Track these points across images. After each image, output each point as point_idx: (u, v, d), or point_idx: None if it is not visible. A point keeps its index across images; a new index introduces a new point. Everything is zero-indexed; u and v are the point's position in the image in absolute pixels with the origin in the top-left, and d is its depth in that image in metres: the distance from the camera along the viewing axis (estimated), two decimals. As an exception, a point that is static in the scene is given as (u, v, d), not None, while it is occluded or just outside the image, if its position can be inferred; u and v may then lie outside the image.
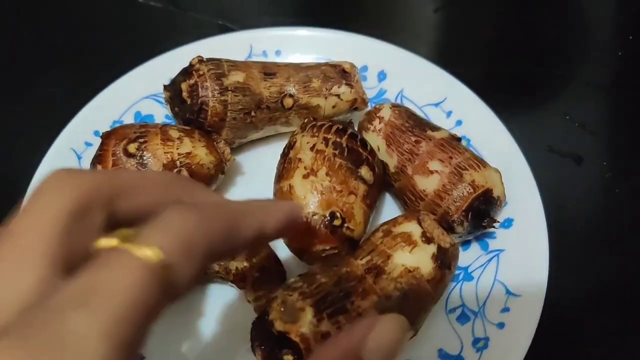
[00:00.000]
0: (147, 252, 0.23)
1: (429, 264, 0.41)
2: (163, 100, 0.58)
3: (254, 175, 0.55)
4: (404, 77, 0.58)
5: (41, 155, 0.53)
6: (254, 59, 0.60)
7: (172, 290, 0.24)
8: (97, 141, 0.54)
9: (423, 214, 0.43)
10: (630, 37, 0.66)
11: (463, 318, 0.45)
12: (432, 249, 0.41)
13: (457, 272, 0.47)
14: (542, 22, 0.70)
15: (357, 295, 0.39)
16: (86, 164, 0.53)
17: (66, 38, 0.69)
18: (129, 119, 0.57)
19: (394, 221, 0.43)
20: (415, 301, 0.40)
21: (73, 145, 0.54)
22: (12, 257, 0.23)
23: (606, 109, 0.62)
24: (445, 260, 0.41)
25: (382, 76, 0.59)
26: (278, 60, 0.61)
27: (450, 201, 0.45)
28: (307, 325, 0.37)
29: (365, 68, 0.59)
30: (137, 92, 0.58)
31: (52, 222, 0.24)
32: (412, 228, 0.42)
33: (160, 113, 0.58)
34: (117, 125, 0.56)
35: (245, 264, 0.46)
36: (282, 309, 0.38)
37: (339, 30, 0.61)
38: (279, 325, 0.38)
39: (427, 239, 0.41)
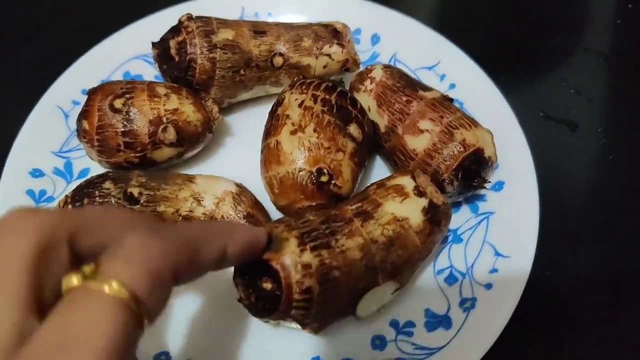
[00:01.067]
0: (115, 287, 0.23)
1: (419, 217, 0.40)
2: (152, 61, 0.57)
3: (243, 135, 0.54)
4: (398, 40, 0.57)
5: (27, 113, 0.52)
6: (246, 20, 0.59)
7: (145, 319, 0.24)
8: (84, 100, 0.54)
9: (418, 171, 0.42)
10: (630, 5, 0.65)
11: (451, 278, 0.45)
12: (423, 202, 0.40)
13: (446, 234, 0.46)
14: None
15: (343, 234, 0.38)
16: (73, 123, 0.53)
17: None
18: (117, 78, 0.56)
19: (389, 177, 0.43)
20: (402, 250, 0.39)
21: (60, 103, 0.54)
22: None
23: (603, 76, 0.61)
24: (436, 216, 0.40)
25: (375, 39, 0.58)
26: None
27: (440, 160, 0.44)
28: (289, 254, 0.36)
29: (358, 31, 0.58)
30: (127, 52, 0.57)
31: (19, 265, 0.23)
32: (405, 182, 0.41)
33: (150, 73, 0.57)
34: (102, 82, 0.55)
35: (231, 212, 0.45)
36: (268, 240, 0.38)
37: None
38: (260, 254, 0.37)
39: (420, 193, 0.41)
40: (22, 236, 0.24)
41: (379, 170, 0.51)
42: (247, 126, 0.54)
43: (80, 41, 0.57)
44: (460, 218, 0.48)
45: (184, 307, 0.44)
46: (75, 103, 0.54)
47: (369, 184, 0.44)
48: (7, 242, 0.24)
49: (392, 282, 0.40)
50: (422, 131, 0.45)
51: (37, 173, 0.50)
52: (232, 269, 0.38)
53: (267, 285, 0.36)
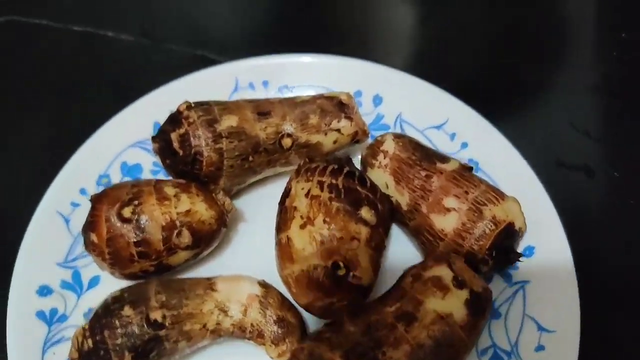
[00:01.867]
0: None
1: (462, 310, 0.38)
2: (150, 148, 0.55)
3: (256, 220, 0.52)
4: (401, 99, 0.56)
5: (24, 215, 0.49)
6: (241, 92, 0.57)
7: None
8: (84, 200, 0.51)
9: (453, 256, 0.41)
10: (623, 35, 0.64)
11: (496, 359, 0.43)
12: (464, 294, 0.39)
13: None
14: (529, 30, 0.68)
15: (389, 345, 0.37)
16: (75, 226, 0.50)
17: (33, 84, 0.64)
18: (115, 172, 0.53)
19: (423, 265, 0.41)
20: (450, 349, 0.38)
21: (59, 207, 0.50)
22: None
23: (607, 113, 0.60)
24: (479, 305, 0.39)
25: (377, 100, 0.57)
26: (266, 91, 0.58)
27: (472, 241, 0.42)
28: None
29: (359, 93, 0.57)
30: (121, 142, 0.55)
31: None
32: (443, 272, 0.40)
33: (148, 161, 0.54)
34: (103, 179, 0.53)
35: (260, 318, 0.43)
36: None
37: (328, 55, 0.58)
38: None
39: (459, 284, 0.39)
40: None
41: (403, 244, 0.50)
42: (258, 208, 0.52)
43: (68, 135, 0.55)
44: (495, 289, 0.46)
45: None
46: (75, 205, 0.51)
47: (393, 264, 0.43)
48: None
49: (442, 382, 0.38)
50: (448, 210, 0.44)
51: (44, 291, 0.47)
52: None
53: None
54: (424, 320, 0.38)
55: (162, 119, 0.55)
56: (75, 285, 0.48)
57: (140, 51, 0.66)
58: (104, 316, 0.41)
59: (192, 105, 0.48)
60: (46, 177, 0.52)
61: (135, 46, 0.66)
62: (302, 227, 0.42)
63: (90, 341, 0.40)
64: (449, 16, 0.70)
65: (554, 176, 0.53)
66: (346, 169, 0.44)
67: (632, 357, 0.46)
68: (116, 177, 0.53)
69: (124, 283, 0.46)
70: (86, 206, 0.50)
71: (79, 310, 0.47)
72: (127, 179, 0.53)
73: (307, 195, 0.43)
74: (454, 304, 0.38)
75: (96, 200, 0.46)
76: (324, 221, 0.41)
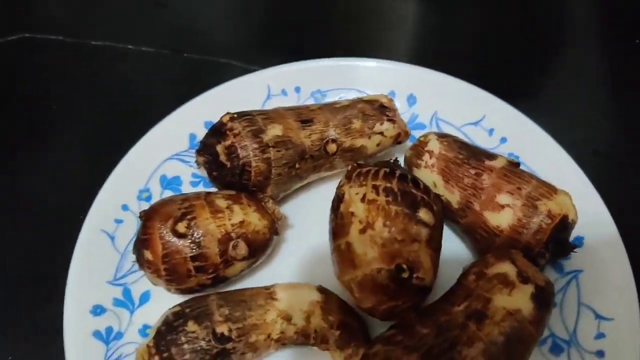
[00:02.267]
0: None
1: (529, 305, 0.39)
2: (186, 159, 0.55)
3: (303, 226, 0.52)
4: (435, 98, 0.56)
5: (68, 233, 0.49)
6: (273, 99, 0.57)
7: None
8: (127, 216, 0.51)
9: (513, 252, 0.41)
10: None
11: (556, 349, 0.44)
12: (530, 288, 0.39)
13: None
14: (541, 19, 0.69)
15: (463, 344, 0.37)
16: (120, 243, 0.50)
17: (63, 102, 0.63)
18: (155, 185, 0.53)
19: (484, 262, 0.41)
20: (521, 344, 0.38)
21: (103, 226, 0.50)
22: None
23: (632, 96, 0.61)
24: (544, 299, 0.39)
25: (412, 100, 0.57)
26: (298, 97, 0.58)
27: (529, 235, 0.43)
28: None
29: (392, 94, 0.57)
30: (158, 155, 0.54)
31: None
32: (507, 268, 0.40)
33: (187, 173, 0.54)
34: (144, 193, 0.52)
35: (323, 324, 0.43)
36: None
37: (358, 58, 0.58)
38: None
39: (524, 279, 0.39)
40: None
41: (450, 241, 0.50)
42: (304, 214, 0.52)
43: (104, 153, 0.54)
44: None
45: None
46: (118, 222, 0.51)
47: (452, 264, 0.43)
48: None
49: (515, 376, 0.38)
50: (502, 206, 0.44)
51: (98, 310, 0.46)
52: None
53: None
54: (494, 318, 0.38)
55: (196, 130, 0.55)
56: (127, 302, 0.47)
57: (163, 63, 0.66)
58: (168, 333, 0.41)
59: (235, 116, 0.48)
60: (87, 197, 0.51)
61: (156, 57, 0.66)
62: (362, 232, 0.42)
63: (157, 358, 0.40)
64: (454, 9, 0.71)
65: (591, 165, 0.53)
66: (398, 172, 0.44)
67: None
68: (156, 191, 0.53)
69: (175, 297, 0.46)
70: (129, 222, 0.51)
71: (133, 327, 0.46)
72: (167, 191, 0.53)
73: (362, 200, 0.43)
74: (521, 300, 0.39)
75: (147, 217, 0.45)
76: (384, 225, 0.41)
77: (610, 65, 0.64)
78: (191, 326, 0.41)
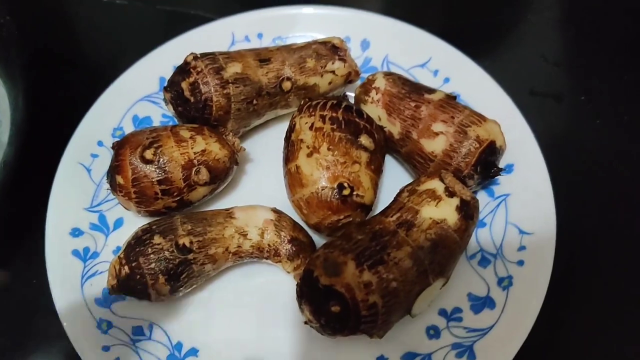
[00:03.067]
0: None
1: (454, 215, 0.44)
2: (156, 100, 0.59)
3: (261, 160, 0.57)
4: (387, 43, 0.61)
5: (47, 171, 0.54)
6: (237, 45, 0.61)
7: None
8: (102, 151, 0.56)
9: (443, 171, 0.46)
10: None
11: (484, 261, 0.49)
12: (455, 201, 0.44)
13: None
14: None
15: (392, 247, 0.42)
16: (96, 175, 0.54)
17: (37, 48, 0.67)
18: (127, 124, 0.58)
19: (417, 181, 0.47)
20: (445, 249, 0.43)
21: (80, 159, 0.55)
22: None
23: (573, 45, 0.66)
24: (468, 211, 0.45)
25: (365, 45, 0.61)
26: (260, 42, 0.62)
27: (459, 158, 0.48)
28: (350, 276, 0.40)
29: (348, 39, 0.61)
30: (130, 97, 0.59)
31: None
32: (435, 185, 0.45)
33: (157, 113, 0.59)
34: (117, 131, 0.57)
35: (276, 239, 0.48)
36: (325, 265, 0.41)
37: (316, 5, 0.62)
38: (324, 280, 0.40)
39: (450, 193, 0.44)
40: None
41: (395, 171, 0.55)
42: (262, 149, 0.57)
43: (79, 95, 0.59)
44: (480, 204, 0.52)
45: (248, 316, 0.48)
46: (94, 156, 0.55)
47: (397, 189, 0.48)
48: None
49: (440, 278, 0.44)
50: (437, 134, 0.49)
51: (76, 232, 0.51)
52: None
53: (336, 309, 0.40)
54: (421, 226, 0.43)
55: (166, 73, 0.59)
56: (102, 226, 0.53)
57: (135, 14, 0.70)
58: (137, 245, 0.46)
59: (199, 55, 0.53)
60: (63, 134, 0.56)
61: (130, 9, 0.70)
62: (309, 155, 0.47)
63: (126, 268, 0.45)
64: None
65: (527, 103, 0.58)
66: (344, 104, 0.49)
67: (605, 248, 0.53)
68: (129, 129, 0.57)
69: (146, 222, 0.51)
70: (104, 157, 0.55)
71: (108, 248, 0.52)
72: (139, 130, 0.58)
73: (311, 128, 0.48)
74: (447, 211, 0.44)
75: (119, 146, 0.50)
76: (329, 149, 0.47)
77: (562, 15, 0.69)
78: (157, 239, 0.46)
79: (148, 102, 0.59)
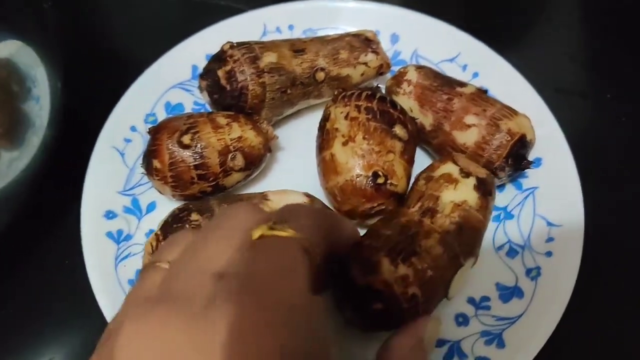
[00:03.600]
0: (294, 233, 0.30)
1: (474, 195, 0.45)
2: (188, 88, 0.60)
3: (293, 149, 0.57)
4: (416, 36, 0.62)
5: (82, 155, 0.55)
6: (269, 36, 0.62)
7: (314, 265, 0.30)
8: (135, 136, 0.57)
9: (454, 154, 0.47)
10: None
11: (512, 252, 0.50)
12: (472, 181, 0.45)
13: (497, 212, 0.52)
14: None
15: (421, 237, 0.43)
16: (129, 159, 0.55)
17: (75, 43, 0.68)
18: (160, 111, 0.59)
19: (431, 167, 0.48)
20: (471, 229, 0.44)
21: (113, 143, 0.56)
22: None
23: (599, 41, 0.67)
24: (486, 188, 0.46)
25: (394, 39, 0.62)
26: (291, 34, 0.63)
27: (491, 150, 0.49)
28: (386, 273, 0.41)
29: (377, 33, 0.62)
30: (162, 84, 0.60)
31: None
32: (450, 168, 0.46)
33: (189, 100, 0.60)
34: (150, 117, 0.58)
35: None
36: (360, 266, 0.42)
37: (349, 0, 0.63)
38: (361, 281, 0.42)
39: (466, 174, 0.46)
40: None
41: (425, 161, 0.56)
42: (294, 138, 0.58)
43: (115, 79, 0.60)
44: (508, 196, 0.53)
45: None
46: (127, 141, 0.56)
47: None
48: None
49: (470, 258, 0.45)
50: (469, 126, 0.50)
51: (110, 215, 0.52)
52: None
53: (378, 306, 0.41)
54: (444, 211, 0.44)
55: (199, 62, 0.61)
56: (135, 210, 0.54)
57: (168, 4, 0.71)
58: (174, 222, 0.47)
59: (235, 44, 0.54)
60: (98, 119, 0.57)
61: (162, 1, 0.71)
62: (344, 144, 0.48)
63: (162, 244, 0.46)
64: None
65: (553, 100, 0.59)
66: (379, 94, 0.50)
67: (631, 242, 0.54)
68: (161, 115, 0.58)
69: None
70: (137, 142, 0.56)
71: (141, 231, 0.52)
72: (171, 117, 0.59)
73: (346, 117, 0.49)
74: (466, 192, 0.45)
75: (155, 131, 0.51)
76: (364, 138, 0.48)
77: (586, 14, 0.70)
78: (194, 216, 0.47)
79: (180, 89, 0.60)
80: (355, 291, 0.42)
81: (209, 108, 0.57)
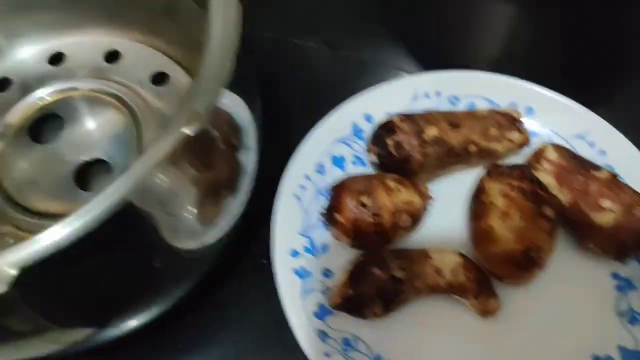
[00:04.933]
0: None
1: None
2: (349, 143, 0.71)
3: (441, 206, 0.67)
4: (549, 112, 0.70)
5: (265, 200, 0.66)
6: (419, 100, 0.72)
7: None
8: (308, 184, 0.67)
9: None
10: None
11: (633, 320, 0.59)
12: None
13: (621, 283, 0.61)
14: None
15: None
16: (304, 204, 0.66)
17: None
18: (327, 162, 0.69)
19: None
20: None
21: (293, 190, 0.66)
22: None
23: None
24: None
25: (529, 111, 0.71)
26: (438, 100, 0.72)
27: (625, 234, 0.58)
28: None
29: (514, 104, 0.71)
30: (330, 138, 0.70)
31: None
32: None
33: (349, 154, 0.70)
34: (319, 167, 0.69)
35: (464, 278, 0.59)
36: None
37: (490, 73, 0.72)
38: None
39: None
40: None
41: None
42: (441, 197, 0.68)
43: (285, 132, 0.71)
44: (631, 269, 0.62)
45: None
46: (302, 187, 0.67)
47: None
48: None
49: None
50: (604, 209, 0.59)
51: (294, 253, 0.64)
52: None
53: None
54: None
55: (358, 120, 0.71)
56: (312, 249, 0.65)
57: (323, 58, 0.81)
58: (360, 275, 0.58)
59: (403, 117, 0.64)
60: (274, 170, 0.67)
61: (319, 53, 0.81)
62: (501, 219, 0.58)
63: (351, 291, 0.57)
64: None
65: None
66: (529, 176, 0.60)
67: None
68: (328, 166, 0.69)
69: (348, 250, 0.63)
70: (310, 189, 0.67)
71: (317, 270, 0.63)
72: (335, 167, 0.69)
73: (501, 194, 0.59)
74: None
75: (338, 189, 0.62)
76: (520, 217, 0.58)
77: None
78: (376, 271, 0.58)
79: (342, 144, 0.70)
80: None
81: (365, 162, 0.68)
